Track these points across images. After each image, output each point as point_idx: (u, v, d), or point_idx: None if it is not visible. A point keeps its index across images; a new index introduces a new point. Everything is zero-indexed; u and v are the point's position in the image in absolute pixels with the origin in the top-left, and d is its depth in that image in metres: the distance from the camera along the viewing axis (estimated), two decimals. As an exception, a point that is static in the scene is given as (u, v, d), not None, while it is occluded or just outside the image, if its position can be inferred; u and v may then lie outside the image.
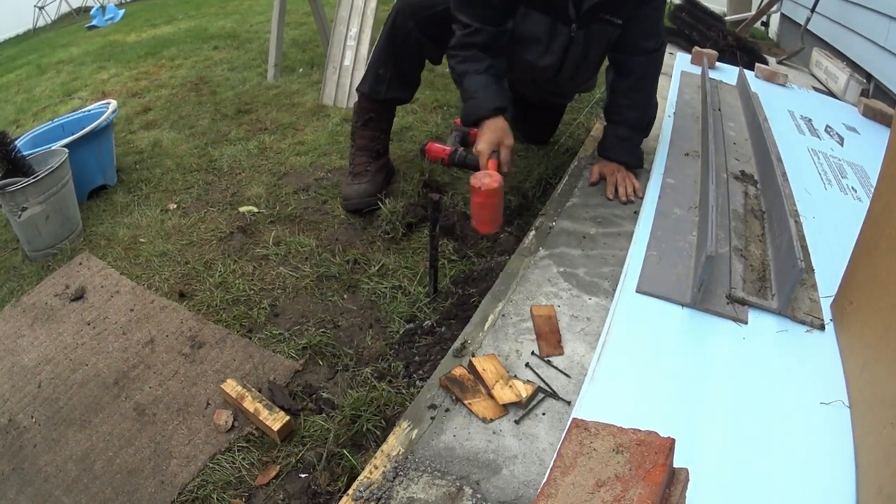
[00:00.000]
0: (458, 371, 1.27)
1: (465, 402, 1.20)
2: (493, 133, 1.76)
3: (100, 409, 1.53)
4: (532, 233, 1.75)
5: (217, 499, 1.28)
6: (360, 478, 1.07)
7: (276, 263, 1.97)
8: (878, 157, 1.35)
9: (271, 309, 1.79)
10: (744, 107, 2.56)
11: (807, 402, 1.20)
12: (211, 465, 1.36)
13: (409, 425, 1.17)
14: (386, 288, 1.83)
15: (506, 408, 1.20)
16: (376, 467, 1.09)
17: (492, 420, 1.17)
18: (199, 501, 1.29)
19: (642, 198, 1.86)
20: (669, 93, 2.68)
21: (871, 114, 2.79)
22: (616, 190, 1.91)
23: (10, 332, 1.80)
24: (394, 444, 1.14)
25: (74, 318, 1.83)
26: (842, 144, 2.43)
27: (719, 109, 2.38)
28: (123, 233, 2.21)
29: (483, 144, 1.75)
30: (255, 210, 2.27)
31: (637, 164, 2.00)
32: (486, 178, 1.63)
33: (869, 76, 3.20)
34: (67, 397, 1.57)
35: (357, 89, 2.23)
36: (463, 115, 1.86)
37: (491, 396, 1.21)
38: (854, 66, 3.31)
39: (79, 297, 1.90)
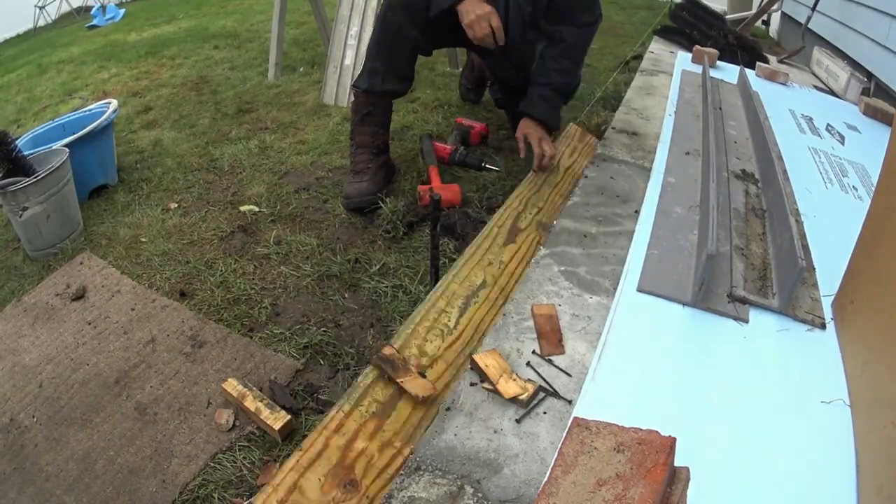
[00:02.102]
0: (388, 350, 1.31)
1: (398, 380, 1.23)
2: (478, 5, 1.91)
3: (101, 409, 1.53)
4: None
5: (218, 498, 1.29)
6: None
7: (277, 263, 1.97)
8: (879, 156, 1.35)
9: (272, 308, 1.80)
10: (745, 105, 2.56)
11: (807, 402, 1.20)
12: (212, 464, 1.36)
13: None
14: (387, 287, 1.83)
15: (436, 386, 1.26)
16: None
17: (426, 397, 1.22)
18: (200, 500, 1.29)
19: (556, 163, 1.97)
20: (670, 91, 2.68)
21: (872, 112, 2.79)
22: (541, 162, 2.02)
23: (11, 331, 1.81)
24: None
25: (75, 317, 1.83)
26: (843, 143, 2.43)
27: (720, 108, 2.38)
28: (124, 232, 2.21)
29: (473, 19, 1.91)
30: (256, 209, 2.27)
31: (556, 125, 2.15)
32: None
33: (870, 75, 3.20)
34: (68, 397, 1.57)
35: (353, 85, 2.24)
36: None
37: (498, 388, 1.22)
38: (855, 64, 3.31)
39: (80, 296, 1.90)
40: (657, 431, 0.82)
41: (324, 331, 1.70)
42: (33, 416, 1.53)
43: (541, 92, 2.09)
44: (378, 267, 1.91)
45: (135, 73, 4.12)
